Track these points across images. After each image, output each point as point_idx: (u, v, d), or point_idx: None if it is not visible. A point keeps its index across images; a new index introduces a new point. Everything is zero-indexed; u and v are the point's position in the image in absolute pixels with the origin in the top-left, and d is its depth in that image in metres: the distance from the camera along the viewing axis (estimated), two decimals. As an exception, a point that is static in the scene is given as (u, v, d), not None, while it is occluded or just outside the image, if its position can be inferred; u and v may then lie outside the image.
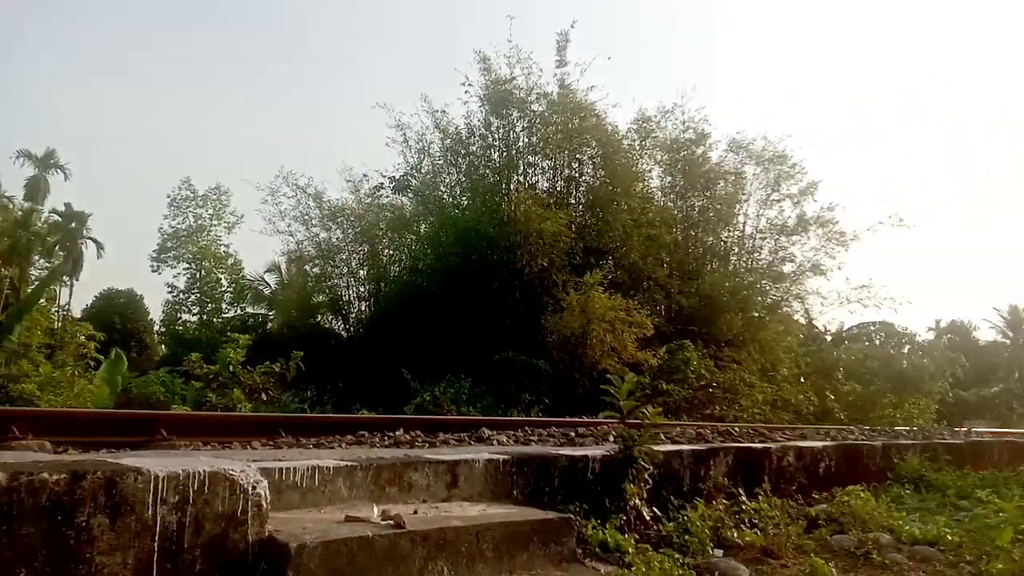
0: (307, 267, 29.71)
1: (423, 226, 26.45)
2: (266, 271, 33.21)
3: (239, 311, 34.39)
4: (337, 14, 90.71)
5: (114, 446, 4.38)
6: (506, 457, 4.28)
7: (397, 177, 26.52)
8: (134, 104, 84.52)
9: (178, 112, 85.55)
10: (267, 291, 32.73)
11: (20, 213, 44.58)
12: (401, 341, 20.78)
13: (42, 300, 22.08)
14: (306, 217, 27.82)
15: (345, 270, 28.17)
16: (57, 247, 46.31)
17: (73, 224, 48.48)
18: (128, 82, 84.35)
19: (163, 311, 40.90)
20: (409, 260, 27.01)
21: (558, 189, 25.63)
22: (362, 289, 28.39)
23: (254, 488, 2.88)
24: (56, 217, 47.97)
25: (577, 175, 26.22)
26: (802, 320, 29.22)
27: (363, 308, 28.30)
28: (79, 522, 2.47)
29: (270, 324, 31.47)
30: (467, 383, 16.33)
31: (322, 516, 3.38)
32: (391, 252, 27.85)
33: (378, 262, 27.54)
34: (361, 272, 28.25)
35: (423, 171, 26.40)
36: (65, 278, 44.34)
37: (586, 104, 24.77)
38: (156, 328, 44.72)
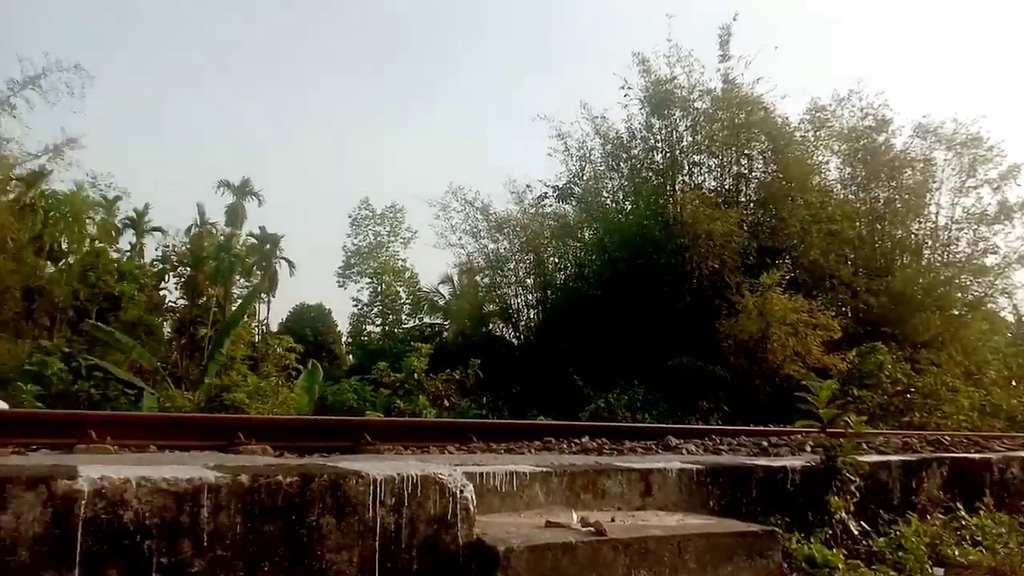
0: (477, 278, 30.66)
1: (587, 232, 26.53)
2: (440, 283, 34.67)
3: (417, 321, 36.09)
4: (494, 33, 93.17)
5: (324, 451, 4.70)
6: (700, 467, 4.18)
7: (560, 186, 26.81)
8: (315, 134, 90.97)
9: (356, 136, 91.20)
10: (441, 302, 34.09)
11: (223, 238, 49.31)
12: (569, 347, 20.91)
13: (244, 316, 24.20)
14: (475, 230, 28.79)
15: (513, 279, 28.81)
16: (255, 267, 50.74)
17: (268, 245, 52.95)
18: (308, 120, 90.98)
19: (350, 323, 43.76)
20: (574, 267, 27.17)
21: (726, 187, 24.83)
22: (530, 297, 28.93)
23: (461, 492, 2.98)
24: (253, 240, 52.60)
25: (746, 171, 25.29)
26: (1010, 317, 26.43)
27: (532, 316, 28.81)
28: (310, 521, 2.66)
29: (445, 333, 32.73)
30: (640, 389, 16.14)
31: (522, 520, 3.44)
32: (556, 260, 28.16)
33: (544, 270, 27.91)
34: (528, 280, 28.79)
35: (585, 178, 26.51)
36: (263, 295, 48.47)
37: (753, 98, 23.85)
38: (344, 339, 47.81)
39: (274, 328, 53.15)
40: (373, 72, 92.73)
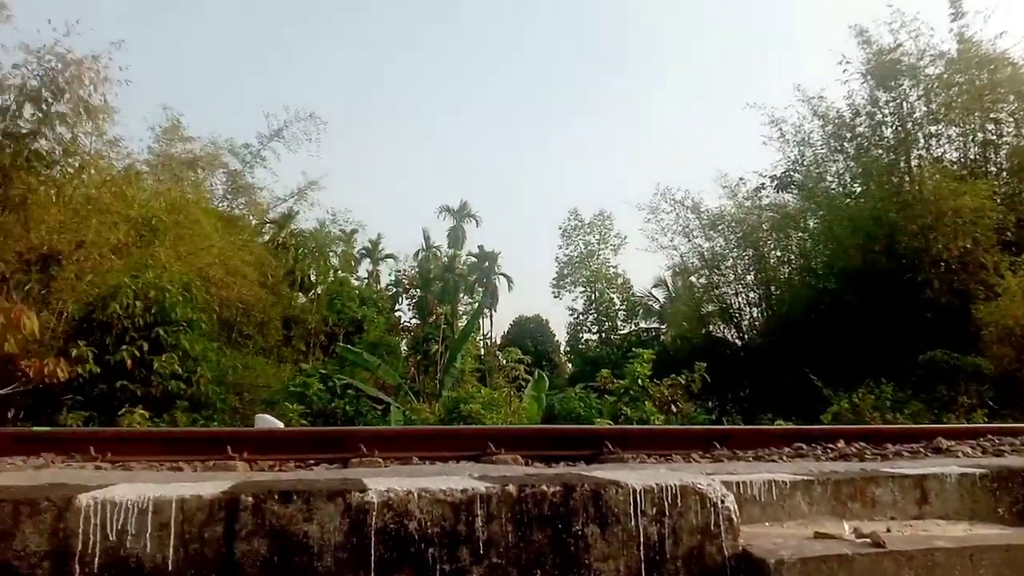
0: (693, 278, 29.90)
1: (811, 221, 24.90)
2: (653, 286, 34.31)
3: (633, 327, 35.92)
4: (694, 29, 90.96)
5: (569, 460, 4.79)
6: (983, 470, 3.75)
7: (778, 175, 25.45)
8: (522, 149, 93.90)
9: (558, 147, 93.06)
10: (657, 306, 33.67)
11: (446, 259, 52.34)
12: (799, 345, 19.71)
13: (471, 332, 25.42)
14: (687, 229, 28.11)
15: (731, 277, 27.74)
16: (476, 284, 53.33)
17: (486, 263, 55.45)
18: (514, 136, 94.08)
19: (567, 332, 44.51)
20: (798, 259, 25.63)
21: (971, 158, 22.18)
22: (751, 295, 27.70)
23: (722, 501, 2.89)
24: (473, 259, 55.34)
25: (995, 138, 22.42)
26: None
27: (754, 314, 27.57)
28: (576, 530, 2.71)
29: (663, 337, 32.27)
30: (888, 387, 14.81)
31: (786, 531, 3.28)
32: (778, 253, 26.73)
33: (765, 265, 26.61)
34: (748, 277, 27.58)
35: (805, 163, 24.93)
36: (485, 310, 50.72)
37: (995, 55, 21.10)
38: (562, 348, 48.73)
39: (496, 341, 55.62)
40: (568, 83, 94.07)
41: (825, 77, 36.17)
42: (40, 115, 13.39)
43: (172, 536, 2.44)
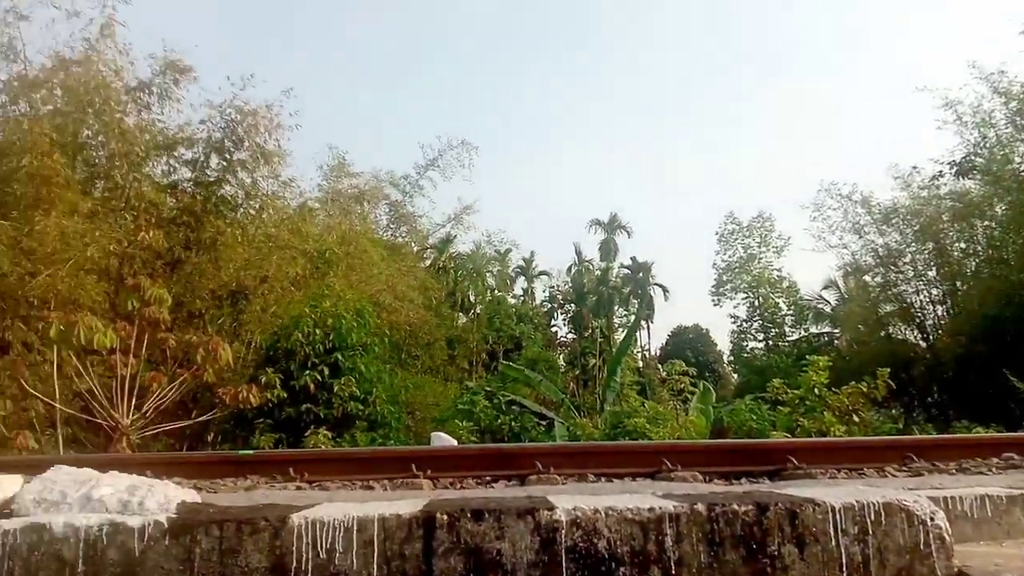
0: (867, 277, 28.04)
1: (999, 208, 22.66)
2: (823, 288, 32.48)
3: (802, 332, 34.16)
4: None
5: (751, 476, 4.61)
6: None
7: (957, 160, 23.40)
8: (672, 153, 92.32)
9: (703, 149, 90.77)
10: (828, 309, 31.86)
11: (599, 272, 52.30)
12: (993, 343, 17.95)
13: (630, 344, 25.15)
14: (857, 225, 26.40)
15: (911, 274, 25.72)
16: (630, 296, 52.85)
17: (640, 274, 54.82)
18: (665, 152, 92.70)
19: (730, 341, 43.02)
20: (986, 250, 23.39)
21: None
22: (934, 292, 25.53)
23: (932, 518, 2.69)
24: (626, 271, 54.90)
25: None
26: None
27: (939, 312, 25.38)
28: (771, 551, 2.61)
29: (837, 342, 30.47)
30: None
31: (1007, 551, 3.00)
32: (962, 245, 24.49)
33: (948, 259, 24.47)
34: (929, 273, 25.47)
35: (988, 146, 22.78)
36: (642, 322, 50.12)
37: None
38: (726, 357, 47.18)
39: (654, 352, 54.77)
40: (719, 85, 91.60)
41: (1006, 50, 32.68)
42: (224, 163, 14.74)
43: (376, 554, 2.57)
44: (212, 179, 14.69)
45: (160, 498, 2.83)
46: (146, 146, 14.01)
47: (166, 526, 2.62)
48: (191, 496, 3.13)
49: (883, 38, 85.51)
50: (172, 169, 15.06)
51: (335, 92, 71.95)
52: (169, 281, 12.49)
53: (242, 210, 15.28)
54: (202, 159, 14.68)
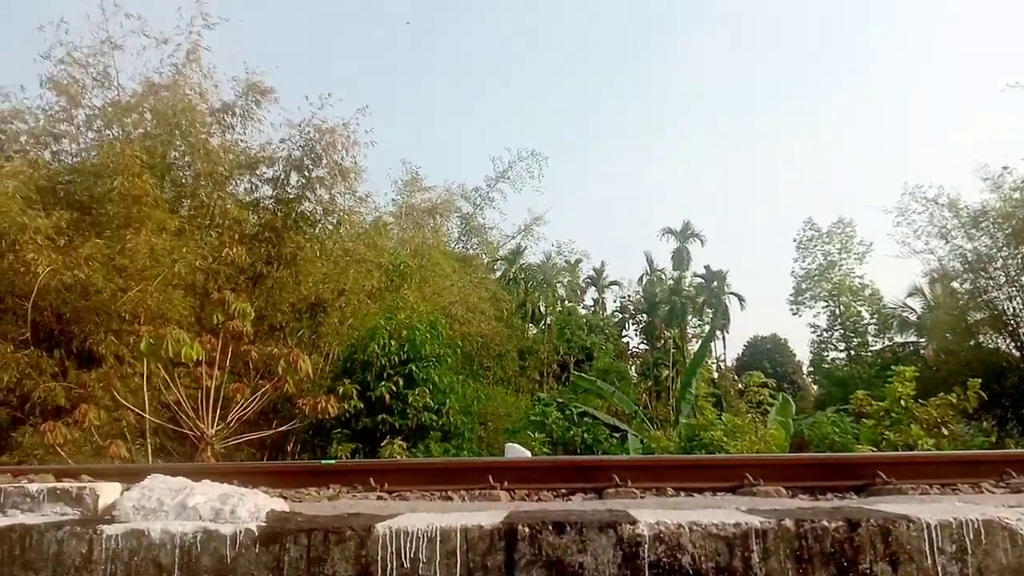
0: (955, 284, 26.87)
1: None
2: (908, 296, 31.28)
3: (886, 342, 32.93)
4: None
5: (834, 491, 4.46)
6: None
7: (1057, 157, 22.24)
8: (743, 161, 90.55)
9: (774, 156, 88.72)
10: (913, 317, 30.64)
11: (671, 282, 51.60)
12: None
13: (706, 355, 24.70)
14: (943, 230, 25.34)
15: (1002, 279, 24.52)
16: (704, 305, 51.93)
17: (714, 283, 53.84)
18: (740, 159, 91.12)
19: (810, 351, 41.72)
20: (1093, 252, 22.17)
21: None
22: (1030, 298, 24.30)
23: (1037, 540, 2.55)
24: (700, 279, 54.00)
25: None
26: None
27: (1035, 320, 24.14)
28: (863, 568, 2.53)
29: (923, 351, 29.27)
30: None
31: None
32: (1059, 248, 23.25)
33: (1043, 263, 23.27)
34: (1022, 278, 24.24)
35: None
36: (717, 332, 49.18)
37: None
38: (805, 368, 45.81)
39: (730, 363, 53.63)
40: (796, 91, 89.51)
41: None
42: (303, 181, 15.17)
43: (458, 564, 2.60)
44: (292, 196, 15.13)
45: (250, 507, 2.93)
46: (230, 165, 14.53)
47: (256, 534, 2.71)
48: (279, 505, 3.23)
49: (969, 31, 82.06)
50: (254, 187, 15.57)
51: (410, 107, 73.22)
52: (251, 295, 12.89)
53: (320, 225, 15.69)
54: (282, 177, 15.14)
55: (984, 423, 19.37)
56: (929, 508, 2.77)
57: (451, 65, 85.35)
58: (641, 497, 4.28)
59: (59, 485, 3.35)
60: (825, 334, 39.52)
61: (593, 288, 51.85)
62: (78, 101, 13.83)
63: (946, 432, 12.25)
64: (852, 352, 36.92)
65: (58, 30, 13.39)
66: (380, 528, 2.67)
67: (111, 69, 14.06)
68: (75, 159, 14.37)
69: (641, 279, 52.72)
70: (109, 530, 2.76)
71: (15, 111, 13.56)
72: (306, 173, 15.07)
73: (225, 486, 3.18)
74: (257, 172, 15.38)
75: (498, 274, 33.56)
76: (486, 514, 2.86)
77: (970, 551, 2.53)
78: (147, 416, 10.47)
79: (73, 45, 13.55)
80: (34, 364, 11.30)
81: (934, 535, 2.53)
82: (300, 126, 14.81)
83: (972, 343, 24.91)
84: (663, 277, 52.96)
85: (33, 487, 3.27)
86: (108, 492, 3.32)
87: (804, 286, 40.68)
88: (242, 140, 15.17)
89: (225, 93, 14.93)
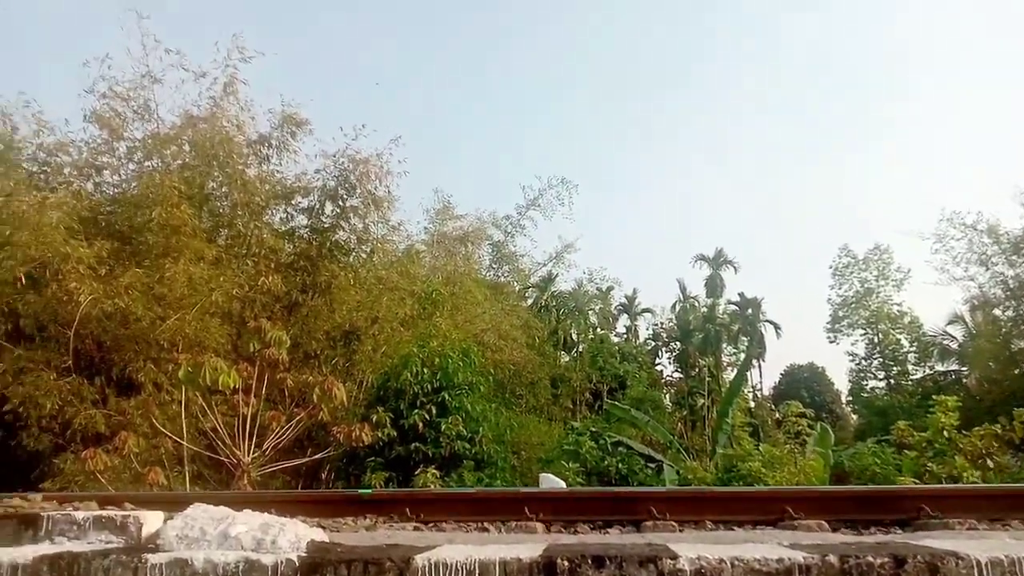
0: (997, 311, 26.32)
1: None
2: (948, 323, 30.65)
3: (927, 371, 32.23)
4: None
5: (878, 524, 4.36)
6: None
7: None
8: (771, 188, 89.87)
9: (805, 181, 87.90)
10: (954, 345, 29.98)
11: (705, 309, 51.15)
12: None
13: (742, 384, 24.34)
14: (983, 256, 24.94)
15: (1047, 306, 24.02)
16: (739, 333, 51.30)
17: (750, 311, 53.22)
18: (770, 185, 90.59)
19: (848, 380, 40.91)
20: None
21: None
22: (1078, 325, 23.72)
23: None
24: (734, 307, 53.43)
25: None
26: None
27: (1085, 348, 23.52)
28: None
29: (965, 380, 28.60)
30: None
31: None
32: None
33: (1090, 290, 22.73)
34: (1067, 306, 23.72)
35: None
36: (752, 360, 48.51)
37: None
38: (844, 397, 44.92)
39: (766, 392, 52.81)
40: (817, 112, 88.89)
41: None
42: (338, 210, 15.39)
43: (497, 597, 2.59)
44: (327, 225, 15.35)
45: (291, 536, 2.95)
46: (266, 196, 14.81)
47: (297, 564, 2.73)
48: (318, 535, 3.24)
49: (1008, 54, 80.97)
50: (290, 217, 15.82)
51: (442, 138, 74.09)
52: (287, 323, 13.03)
53: (354, 254, 15.87)
54: (317, 206, 15.37)
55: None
56: (978, 544, 2.70)
57: (486, 94, 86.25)
58: (680, 530, 4.22)
59: (104, 513, 3.41)
60: (864, 362, 38.75)
61: (625, 315, 51.62)
62: (119, 133, 14.20)
63: (991, 464, 11.92)
64: (892, 381, 36.14)
65: (101, 65, 13.81)
66: (419, 560, 2.67)
67: (151, 102, 14.45)
68: (116, 190, 14.73)
69: (674, 306, 52.42)
70: (154, 559, 2.80)
71: (60, 144, 13.95)
72: (340, 203, 15.29)
73: (266, 516, 3.21)
74: (292, 202, 15.65)
75: (529, 302, 33.55)
76: (524, 547, 2.85)
77: (1022, 589, 2.45)
78: (184, 443, 10.60)
79: (115, 80, 13.94)
80: (75, 391, 11.51)
81: (984, 572, 2.46)
82: (335, 156, 15.07)
83: (1016, 371, 24.33)
84: (696, 304, 52.54)
85: (79, 515, 3.33)
86: (152, 520, 3.37)
87: (841, 313, 40.00)
88: (278, 171, 15.46)
89: (261, 125, 15.25)
